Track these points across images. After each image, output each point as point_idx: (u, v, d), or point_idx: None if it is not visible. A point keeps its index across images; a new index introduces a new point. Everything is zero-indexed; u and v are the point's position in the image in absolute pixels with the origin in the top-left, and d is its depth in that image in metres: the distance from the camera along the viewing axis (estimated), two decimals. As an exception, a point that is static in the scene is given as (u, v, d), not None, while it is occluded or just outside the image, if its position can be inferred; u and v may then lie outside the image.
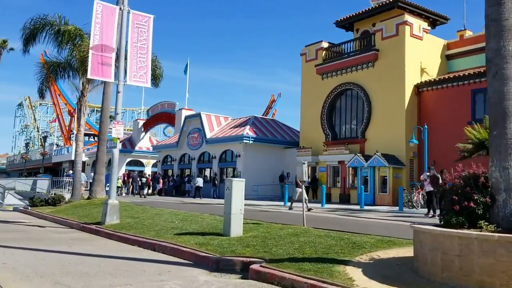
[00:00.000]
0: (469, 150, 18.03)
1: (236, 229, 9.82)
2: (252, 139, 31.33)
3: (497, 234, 5.21)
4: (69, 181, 26.86)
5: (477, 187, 6.00)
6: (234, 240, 9.20)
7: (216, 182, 31.82)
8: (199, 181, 30.57)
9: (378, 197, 24.27)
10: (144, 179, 31.39)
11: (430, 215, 15.51)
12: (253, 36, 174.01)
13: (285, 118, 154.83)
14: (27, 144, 70.66)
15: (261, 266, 6.95)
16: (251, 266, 7.05)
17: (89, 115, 66.47)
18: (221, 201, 24.89)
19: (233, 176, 30.59)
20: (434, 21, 28.97)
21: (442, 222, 6.18)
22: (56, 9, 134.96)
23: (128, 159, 43.46)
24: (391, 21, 26.10)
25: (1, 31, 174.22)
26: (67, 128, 59.45)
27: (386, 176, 24.04)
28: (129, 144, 43.35)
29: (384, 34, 26.25)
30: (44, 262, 7.98)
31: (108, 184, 23.93)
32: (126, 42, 14.47)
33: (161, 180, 33.87)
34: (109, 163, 31.21)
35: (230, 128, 34.34)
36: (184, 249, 8.80)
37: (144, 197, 28.31)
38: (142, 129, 45.09)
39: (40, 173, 49.73)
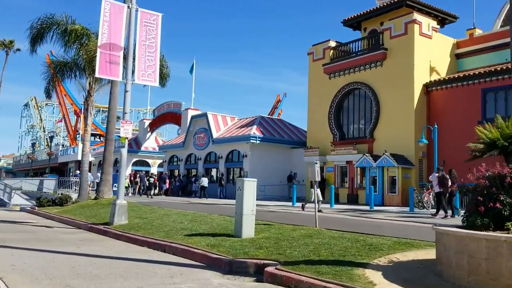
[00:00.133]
0: (480, 150, 17.78)
1: (248, 230, 9.62)
2: (259, 139, 31.13)
3: (527, 237, 4.99)
4: (75, 181, 26.79)
5: (503, 188, 5.76)
6: (246, 241, 9.00)
7: (222, 182, 31.65)
8: (204, 181, 30.41)
9: (387, 198, 24.01)
10: (151, 179, 31.27)
11: (441, 216, 15.23)
12: (256, 36, 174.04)
13: (289, 118, 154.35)
14: (33, 144, 70.76)
15: (276, 268, 6.74)
16: (266, 269, 6.85)
17: (95, 115, 66.48)
18: (228, 201, 24.85)
19: (240, 176, 30.40)
20: (443, 19, 28.62)
21: (465, 224, 5.96)
22: (56, 8, 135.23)
23: (134, 159, 43.38)
24: (400, 19, 25.81)
25: (3, 32, 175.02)
26: (73, 128, 59.48)
27: (395, 176, 23.76)
28: (135, 144, 43.25)
29: (393, 33, 25.96)
30: (53, 264, 7.81)
31: (115, 184, 23.90)
32: (135, 40, 14.30)
33: (167, 180, 33.75)
34: (115, 162, 31.44)
35: (237, 128, 34.15)
36: (196, 250, 8.61)
37: (151, 197, 28.19)
38: (148, 129, 45.00)
39: (46, 173, 49.75)
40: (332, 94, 29.07)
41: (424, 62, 25.29)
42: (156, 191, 33.37)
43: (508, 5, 27.90)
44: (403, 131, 24.76)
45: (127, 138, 13.85)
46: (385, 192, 24.15)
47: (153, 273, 7.16)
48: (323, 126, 29.43)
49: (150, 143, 45.05)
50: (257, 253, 7.93)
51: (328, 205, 20.66)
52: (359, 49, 28.43)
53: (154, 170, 43.46)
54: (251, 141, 30.82)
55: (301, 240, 8.78)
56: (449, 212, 15.57)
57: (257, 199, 10.31)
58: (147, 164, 45.05)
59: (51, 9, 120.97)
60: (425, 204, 19.71)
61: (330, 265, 6.56)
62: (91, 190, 28.28)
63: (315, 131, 30.17)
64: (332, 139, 28.86)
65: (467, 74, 24.11)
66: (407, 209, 19.72)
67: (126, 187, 28.21)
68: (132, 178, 32.82)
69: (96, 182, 29.97)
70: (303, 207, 17.63)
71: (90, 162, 41.07)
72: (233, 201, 22.20)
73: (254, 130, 31.58)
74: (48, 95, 25.22)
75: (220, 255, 8.03)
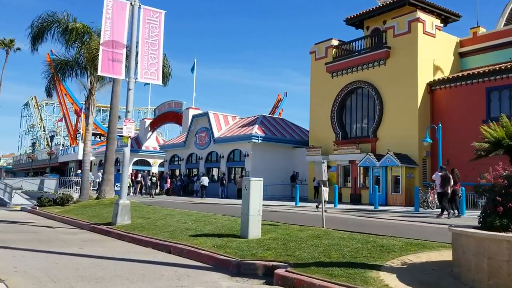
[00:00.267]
0: (485, 149, 17.59)
1: (254, 230, 9.42)
2: (261, 139, 30.94)
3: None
4: (76, 180, 26.61)
5: (522, 187, 5.59)
6: (253, 242, 8.81)
7: (224, 182, 31.46)
8: (204, 180, 30.23)
9: (390, 197, 23.82)
10: (154, 179, 31.10)
11: (446, 216, 15.03)
12: (256, 36, 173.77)
13: (290, 117, 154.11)
14: (33, 144, 70.51)
15: (286, 271, 6.55)
16: (276, 271, 6.66)
17: (95, 114, 66.24)
18: (230, 201, 24.71)
19: (242, 176, 30.21)
20: (446, 18, 28.45)
21: (482, 224, 5.77)
22: (56, 7, 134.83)
23: (135, 159, 43.19)
24: (403, 18, 25.62)
25: (3, 31, 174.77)
26: (73, 127, 59.27)
27: (399, 176, 23.57)
28: (135, 144, 43.05)
29: (396, 31, 25.77)
30: (56, 266, 7.62)
31: (117, 184, 23.71)
32: (137, 38, 14.09)
33: (168, 180, 33.57)
34: (116, 162, 31.23)
35: (238, 128, 33.95)
36: (202, 251, 8.42)
37: (153, 197, 28.02)
38: (149, 129, 44.81)
39: (46, 173, 49.55)
40: (334, 93, 28.88)
41: (427, 60, 25.10)
42: (158, 190, 33.21)
43: (512, 4, 27.74)
44: (406, 130, 24.58)
45: (130, 137, 13.65)
46: (388, 191, 23.96)
47: (160, 275, 6.98)
48: (326, 125, 29.24)
49: (151, 142, 44.86)
50: (265, 255, 7.74)
51: (332, 205, 20.48)
52: (362, 47, 28.24)
53: (155, 169, 43.28)
54: (253, 140, 30.63)
55: (310, 241, 8.60)
56: (451, 211, 15.34)
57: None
58: (148, 164, 44.86)
59: (51, 8, 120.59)
60: (430, 204, 19.52)
61: (342, 267, 6.37)
62: (92, 189, 28.11)
63: (318, 130, 29.98)
64: (335, 138, 28.66)
65: (471, 73, 23.93)
66: (411, 209, 19.55)
67: (128, 187, 28.08)
68: (133, 177, 32.65)
69: (97, 181, 29.84)
70: (317, 207, 17.44)
71: (91, 162, 40.95)
72: (235, 201, 22.18)
73: (256, 130, 31.39)
74: (49, 94, 25.02)
75: (227, 257, 7.83)
